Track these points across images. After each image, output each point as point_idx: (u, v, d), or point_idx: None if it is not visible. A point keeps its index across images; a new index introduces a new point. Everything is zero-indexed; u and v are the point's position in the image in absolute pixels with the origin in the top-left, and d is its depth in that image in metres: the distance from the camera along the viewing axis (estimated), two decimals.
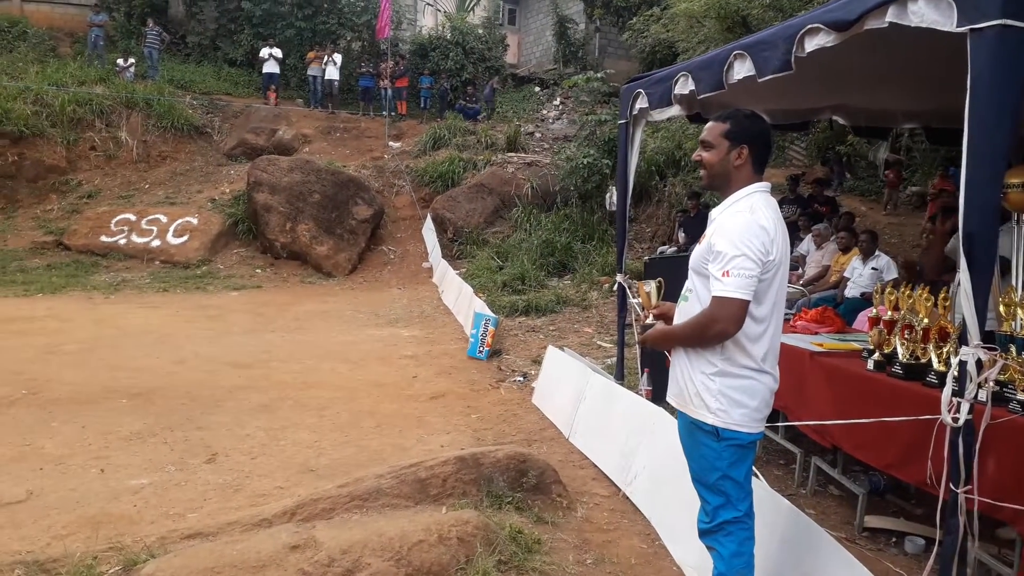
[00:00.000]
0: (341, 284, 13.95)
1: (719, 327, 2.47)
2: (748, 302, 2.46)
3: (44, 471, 4.59)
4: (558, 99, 21.85)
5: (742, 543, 2.65)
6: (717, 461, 2.60)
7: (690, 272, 2.68)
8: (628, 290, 6.43)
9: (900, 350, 3.77)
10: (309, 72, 19.79)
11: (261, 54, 19.27)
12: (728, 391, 2.55)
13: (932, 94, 5.60)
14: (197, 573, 3.01)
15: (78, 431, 5.43)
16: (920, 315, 3.76)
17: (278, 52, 19.27)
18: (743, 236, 2.46)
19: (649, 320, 2.84)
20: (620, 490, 4.47)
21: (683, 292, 2.75)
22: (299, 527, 3.46)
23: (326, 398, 6.52)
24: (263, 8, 20.51)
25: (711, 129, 2.67)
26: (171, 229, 14.53)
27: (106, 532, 3.76)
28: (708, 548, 2.72)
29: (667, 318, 2.80)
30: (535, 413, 6.18)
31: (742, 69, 4.05)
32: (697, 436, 2.63)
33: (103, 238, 14.21)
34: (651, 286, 2.89)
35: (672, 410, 2.89)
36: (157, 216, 14.80)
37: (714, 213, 2.67)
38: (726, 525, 2.64)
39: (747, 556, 2.65)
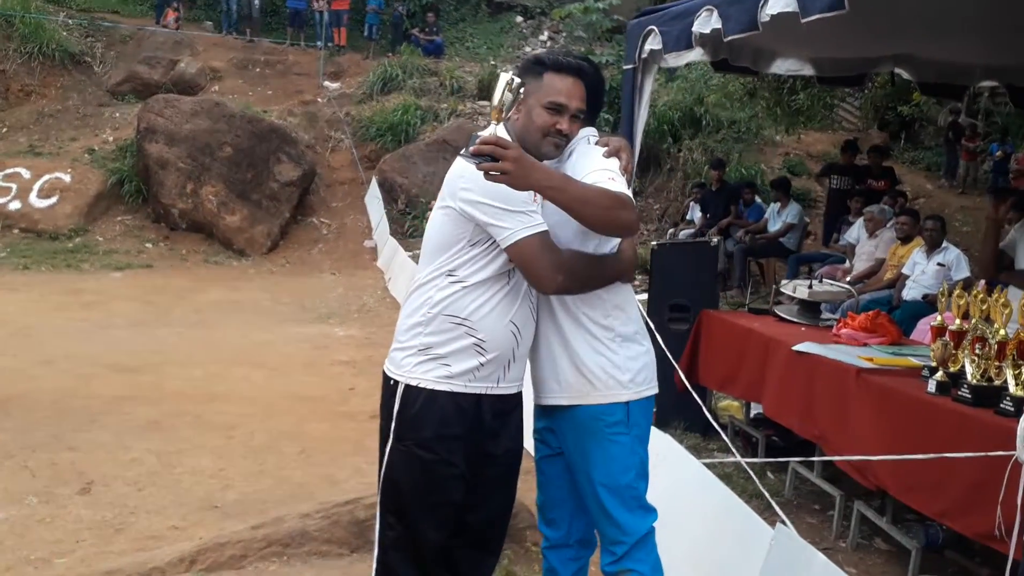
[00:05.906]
0: (257, 266, 13.91)
1: (631, 216, 2.50)
2: None
3: None
4: (546, 33, 21.88)
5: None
6: (631, 455, 2.66)
7: None
8: None
9: (969, 368, 3.83)
10: None
11: None
12: (632, 354, 2.71)
13: (1021, 44, 5.70)
14: None
15: None
16: (995, 325, 3.82)
17: None
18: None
19: (490, 130, 2.37)
20: None
21: None
22: None
23: (235, 414, 6.52)
24: None
25: None
26: (35, 188, 14.43)
27: None
28: None
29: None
30: None
31: (779, 3, 4.11)
32: (602, 429, 2.64)
33: None
34: (513, 82, 2.39)
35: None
36: (17, 170, 14.68)
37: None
38: (647, 538, 2.69)
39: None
